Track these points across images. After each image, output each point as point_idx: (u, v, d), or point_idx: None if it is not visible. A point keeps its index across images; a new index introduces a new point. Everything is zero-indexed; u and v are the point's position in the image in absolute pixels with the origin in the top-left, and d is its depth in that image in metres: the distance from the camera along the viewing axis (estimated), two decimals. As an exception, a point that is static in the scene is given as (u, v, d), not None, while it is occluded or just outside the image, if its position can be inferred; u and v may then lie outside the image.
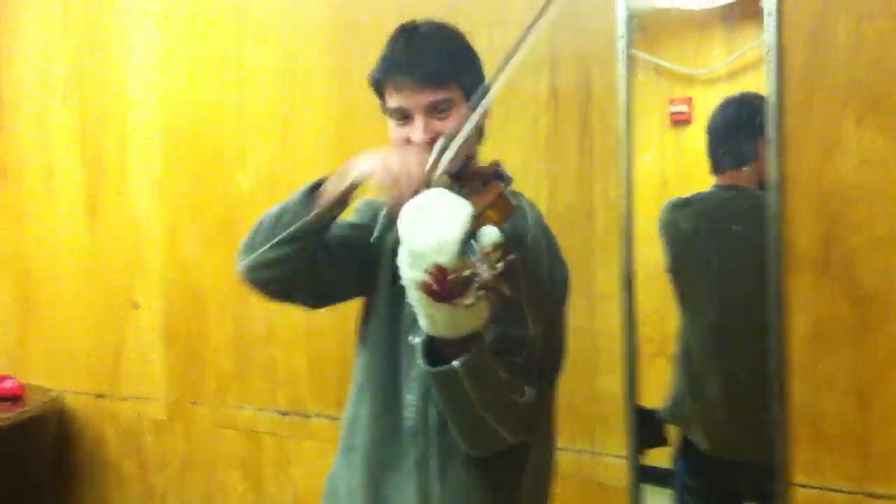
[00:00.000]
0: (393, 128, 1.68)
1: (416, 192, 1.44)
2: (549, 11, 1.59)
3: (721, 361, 2.38)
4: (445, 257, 1.29)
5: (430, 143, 1.60)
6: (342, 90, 2.95)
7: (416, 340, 1.54)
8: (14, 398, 3.50)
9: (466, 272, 1.26)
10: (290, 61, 3.07)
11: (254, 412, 3.15)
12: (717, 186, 2.36)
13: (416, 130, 1.62)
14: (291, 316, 2.99)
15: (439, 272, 1.27)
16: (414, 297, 1.35)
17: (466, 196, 1.48)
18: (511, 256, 1.25)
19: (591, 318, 2.44)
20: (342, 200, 1.63)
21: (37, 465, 3.51)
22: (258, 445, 3.17)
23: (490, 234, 1.33)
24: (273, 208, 1.71)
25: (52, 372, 3.68)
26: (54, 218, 3.66)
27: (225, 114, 3.22)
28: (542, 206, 2.38)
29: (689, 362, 2.42)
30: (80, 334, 3.60)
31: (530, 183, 2.51)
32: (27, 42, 3.71)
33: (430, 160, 1.52)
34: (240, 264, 1.74)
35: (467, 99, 1.63)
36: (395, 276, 1.57)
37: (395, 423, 1.70)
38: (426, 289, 1.29)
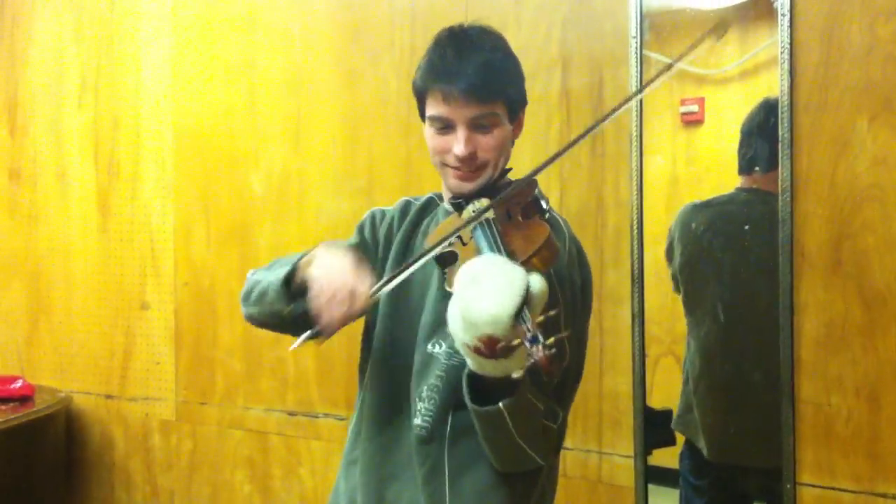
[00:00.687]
0: (431, 135, 1.64)
1: (346, 320, 1.47)
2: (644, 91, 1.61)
3: (732, 362, 2.36)
4: (499, 331, 1.27)
5: (469, 158, 1.59)
6: (352, 93, 2.95)
7: (438, 350, 1.57)
8: (23, 399, 3.50)
9: (516, 342, 1.25)
10: (300, 65, 3.08)
11: (262, 412, 3.14)
12: (739, 189, 2.34)
13: (459, 143, 1.59)
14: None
15: (491, 342, 1.28)
16: (462, 351, 1.35)
17: (507, 231, 1.48)
18: (563, 335, 1.24)
19: (600, 318, 2.43)
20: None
21: (46, 465, 3.51)
22: (266, 446, 3.16)
23: (537, 290, 1.31)
24: (262, 280, 1.70)
25: (62, 372, 3.69)
26: (67, 220, 3.68)
27: (236, 117, 3.23)
28: (554, 206, 2.40)
29: (700, 365, 2.40)
30: (89, 335, 3.61)
31: (542, 183, 2.47)
32: (41, 47, 3.73)
33: (376, 287, 1.52)
34: (241, 308, 1.80)
35: (510, 114, 1.63)
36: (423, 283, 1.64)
37: (399, 432, 1.68)
38: (475, 352, 1.30)
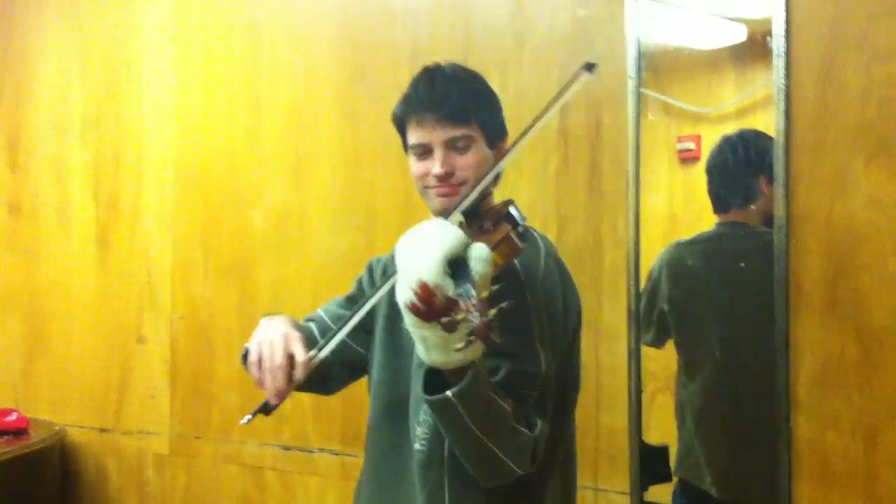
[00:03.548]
0: (414, 163, 1.72)
1: (287, 387, 1.55)
2: (564, 95, 1.67)
3: (733, 400, 2.36)
4: (428, 275, 1.33)
5: (448, 176, 1.66)
6: (354, 131, 2.98)
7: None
8: (18, 432, 3.49)
9: (459, 315, 1.26)
10: (302, 102, 3.11)
11: (257, 447, 3.13)
12: (722, 224, 2.37)
13: (436, 163, 1.66)
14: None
15: (424, 290, 1.30)
16: (407, 322, 1.38)
17: (475, 234, 1.52)
18: (504, 304, 1.26)
19: (596, 355, 2.44)
20: None
21: (40, 499, 3.48)
22: (261, 481, 3.14)
23: (477, 254, 1.37)
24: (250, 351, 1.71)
25: (57, 406, 3.68)
26: (66, 254, 3.68)
27: (238, 153, 3.25)
28: (551, 243, 2.42)
29: (702, 403, 2.40)
30: (85, 369, 3.60)
31: (539, 220, 2.52)
32: (46, 84, 3.76)
33: (315, 350, 1.59)
34: None
35: (486, 138, 1.70)
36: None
37: (403, 459, 1.70)
38: (413, 308, 1.31)
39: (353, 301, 1.87)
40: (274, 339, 1.60)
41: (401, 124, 1.75)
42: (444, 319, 1.27)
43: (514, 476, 1.53)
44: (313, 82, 3.08)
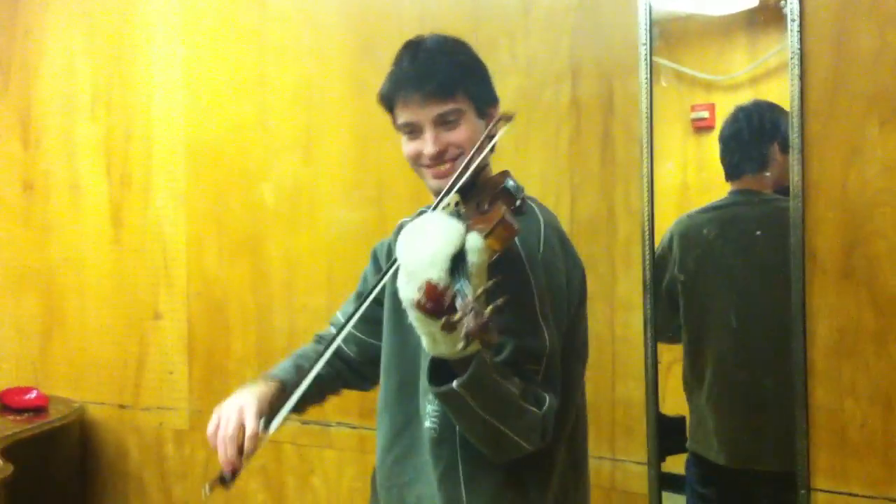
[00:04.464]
0: (405, 143, 1.71)
1: (240, 457, 1.62)
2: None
3: (747, 368, 2.36)
4: (435, 273, 1.31)
5: (439, 156, 1.65)
6: (362, 105, 2.95)
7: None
8: (37, 409, 3.52)
9: (457, 317, 1.26)
10: (310, 77, 3.09)
11: (275, 422, 3.15)
12: (736, 192, 2.35)
13: (427, 143, 1.66)
14: (313, 325, 2.99)
15: (431, 289, 1.30)
16: (413, 318, 1.37)
17: (472, 215, 1.52)
18: (499, 301, 1.26)
19: (611, 326, 2.43)
20: None
21: (60, 476, 3.53)
22: (279, 455, 3.17)
23: (472, 246, 1.36)
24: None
25: (75, 383, 3.70)
26: (79, 231, 3.69)
27: (247, 129, 3.24)
28: (565, 215, 2.42)
29: (714, 371, 2.40)
30: (103, 346, 3.62)
31: (552, 191, 2.51)
32: (54, 60, 3.75)
33: (253, 431, 1.65)
34: None
35: (476, 108, 1.68)
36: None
37: (415, 437, 1.71)
38: (420, 307, 1.31)
39: (361, 296, 1.85)
40: (231, 410, 1.68)
41: (388, 104, 1.72)
42: (443, 320, 1.26)
43: (525, 452, 1.54)
44: (321, 56, 3.06)
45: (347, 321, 1.73)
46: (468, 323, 1.24)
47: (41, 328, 3.81)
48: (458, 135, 1.65)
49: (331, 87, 3.04)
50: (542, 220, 1.66)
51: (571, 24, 2.53)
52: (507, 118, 1.67)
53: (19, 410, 3.51)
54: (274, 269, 3.17)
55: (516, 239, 1.53)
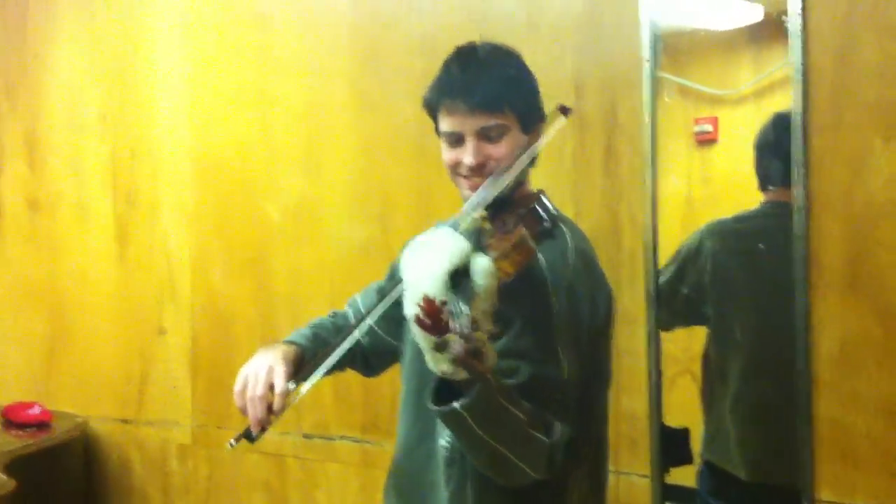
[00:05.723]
0: (445, 150, 1.70)
1: (268, 415, 1.61)
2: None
3: (749, 381, 2.36)
4: (433, 289, 1.30)
5: (478, 168, 1.63)
6: (367, 119, 2.97)
7: None
8: (41, 424, 3.52)
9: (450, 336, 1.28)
10: (314, 93, 3.10)
11: (278, 436, 3.13)
12: (765, 203, 2.33)
13: (467, 154, 1.64)
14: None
15: (428, 304, 1.30)
16: (413, 332, 1.36)
17: (494, 233, 1.52)
18: (491, 329, 1.29)
19: (616, 338, 2.43)
20: None
21: (64, 490, 3.52)
22: (283, 469, 3.16)
23: (479, 267, 1.35)
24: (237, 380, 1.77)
25: (79, 398, 3.70)
26: (86, 249, 3.70)
27: (252, 145, 3.25)
28: (568, 227, 2.41)
29: (740, 384, 2.39)
30: (107, 361, 3.62)
31: (556, 204, 2.50)
32: (61, 81, 3.77)
33: (283, 390, 1.63)
34: None
35: (521, 125, 1.66)
36: None
37: (429, 453, 1.69)
38: (419, 322, 1.31)
39: (382, 292, 1.82)
40: (259, 370, 1.67)
41: (432, 110, 1.72)
42: (437, 338, 1.27)
43: (531, 480, 1.52)
44: (325, 72, 3.07)
45: (362, 318, 1.73)
46: (455, 347, 1.25)
47: (46, 344, 3.81)
48: (500, 149, 1.63)
49: (335, 102, 3.05)
50: (570, 244, 1.64)
51: (575, 40, 2.55)
52: (565, 111, 1.65)
53: (23, 426, 3.50)
54: (278, 285, 3.18)
55: (543, 265, 1.54)
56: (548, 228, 1.59)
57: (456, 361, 1.26)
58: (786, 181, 2.21)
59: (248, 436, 1.66)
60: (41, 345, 3.82)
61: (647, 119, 2.37)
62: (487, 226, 1.56)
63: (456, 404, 1.38)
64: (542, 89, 2.53)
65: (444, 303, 1.29)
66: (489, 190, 1.61)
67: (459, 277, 1.34)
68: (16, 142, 3.91)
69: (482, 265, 1.35)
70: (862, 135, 2.13)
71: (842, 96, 2.15)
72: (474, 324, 1.28)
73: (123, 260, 3.59)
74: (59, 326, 3.78)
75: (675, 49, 2.40)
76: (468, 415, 1.39)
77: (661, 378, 2.37)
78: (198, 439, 3.37)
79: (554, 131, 1.67)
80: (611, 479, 2.42)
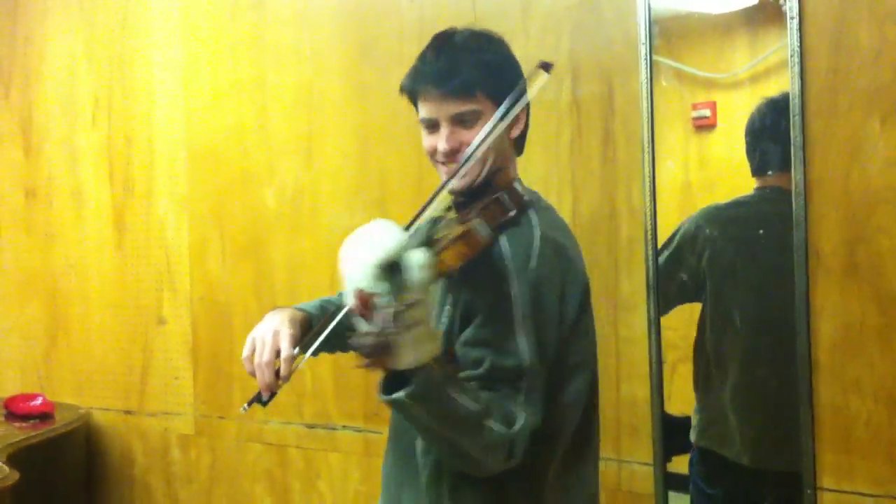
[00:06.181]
0: (424, 136, 1.72)
1: (267, 386, 1.62)
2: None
3: (748, 366, 2.35)
4: (363, 282, 1.34)
5: (453, 153, 1.64)
6: (363, 107, 2.96)
7: None
8: (43, 416, 3.52)
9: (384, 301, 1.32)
10: (310, 80, 3.08)
11: (280, 426, 3.14)
12: (758, 189, 2.33)
13: (441, 139, 1.65)
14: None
15: (361, 297, 1.33)
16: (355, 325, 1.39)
17: (452, 223, 1.54)
18: (391, 330, 1.30)
19: (615, 326, 2.43)
20: None
21: (67, 481, 3.53)
22: (285, 459, 3.16)
23: (414, 264, 1.35)
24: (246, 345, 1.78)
25: (81, 389, 3.71)
26: (82, 237, 3.70)
27: (248, 133, 3.24)
28: (566, 215, 2.41)
29: (739, 370, 2.39)
30: (107, 351, 3.63)
31: (553, 191, 2.51)
32: (54, 66, 3.76)
33: (288, 355, 1.65)
34: None
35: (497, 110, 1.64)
36: None
37: (410, 442, 1.70)
38: (358, 314, 1.34)
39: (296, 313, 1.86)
40: (266, 335, 1.68)
41: (410, 97, 1.73)
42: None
43: (492, 470, 1.53)
44: (321, 58, 3.06)
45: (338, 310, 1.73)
46: (365, 342, 1.29)
47: (45, 334, 3.82)
48: (473, 135, 1.63)
49: (331, 89, 3.04)
50: (538, 232, 1.62)
51: (571, 24, 2.53)
52: (546, 66, 1.63)
53: (25, 417, 3.51)
54: (277, 273, 3.17)
55: (506, 251, 1.54)
56: (512, 217, 1.59)
57: (364, 360, 1.30)
58: (780, 166, 2.21)
59: (259, 400, 1.68)
60: (41, 335, 3.83)
61: (644, 104, 2.36)
62: (452, 214, 1.59)
63: (399, 393, 1.40)
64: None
65: (372, 295, 1.32)
66: (453, 176, 1.61)
67: (392, 271, 1.35)
68: (10, 129, 3.90)
69: (412, 259, 1.36)
70: (859, 119, 2.12)
71: (839, 80, 2.14)
72: (396, 318, 1.30)
73: (121, 248, 3.59)
74: (58, 316, 3.78)
75: (671, 33, 2.39)
76: (412, 403, 1.41)
77: (662, 366, 2.36)
78: (200, 429, 3.38)
79: (536, 90, 1.65)
80: (613, 467, 2.45)
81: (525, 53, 2.54)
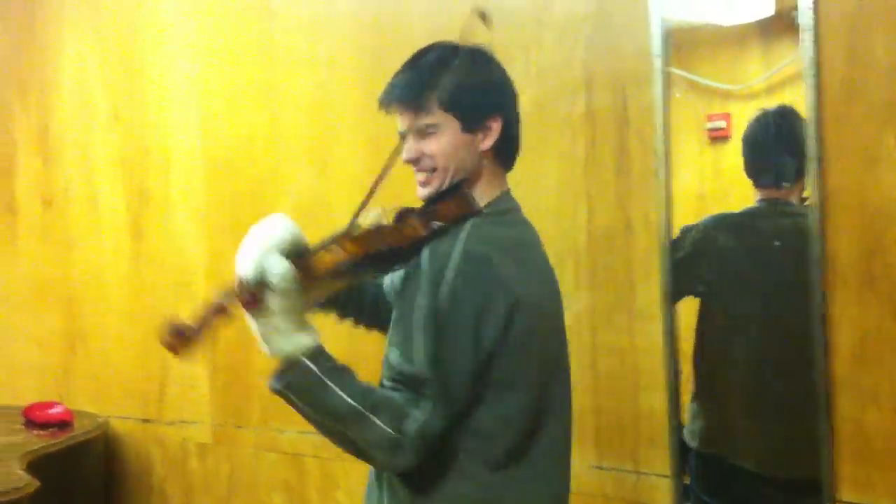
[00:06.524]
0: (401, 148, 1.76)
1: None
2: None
3: (763, 378, 2.35)
4: (240, 270, 1.57)
5: (415, 162, 1.72)
6: (376, 117, 2.94)
7: (387, 353, 1.68)
8: (62, 424, 3.54)
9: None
10: (324, 89, 3.09)
11: (297, 435, 3.15)
12: (763, 201, 2.34)
13: (405, 150, 1.72)
14: (332, 339, 3.00)
15: (239, 286, 1.55)
16: None
17: (373, 228, 1.69)
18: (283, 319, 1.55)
19: (631, 337, 2.43)
20: None
21: (85, 490, 3.55)
22: (302, 468, 3.18)
23: (270, 270, 1.56)
24: None
25: (99, 397, 3.73)
26: (99, 245, 3.72)
27: (262, 141, 3.25)
28: (582, 226, 2.42)
29: (747, 378, 2.39)
30: (125, 360, 3.64)
31: (569, 203, 2.51)
32: (69, 77, 3.78)
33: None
34: None
35: (463, 122, 1.68)
36: None
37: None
38: (236, 298, 1.55)
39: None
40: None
41: (385, 110, 1.78)
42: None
43: (387, 466, 1.64)
44: (334, 67, 3.07)
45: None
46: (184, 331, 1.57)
47: (63, 343, 3.84)
48: (430, 145, 1.68)
49: (345, 98, 3.05)
50: (461, 246, 1.61)
51: (585, 36, 2.52)
52: (483, 16, 1.70)
53: (44, 425, 3.52)
54: (292, 282, 3.17)
55: (426, 258, 1.61)
56: (437, 231, 1.64)
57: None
58: (783, 179, 2.23)
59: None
60: (59, 343, 3.85)
61: (658, 115, 2.36)
62: (385, 221, 1.69)
63: (278, 384, 1.57)
64: (551, 86, 2.53)
65: (249, 284, 1.53)
66: (381, 178, 1.72)
67: (259, 266, 1.57)
68: (28, 138, 3.92)
69: (270, 261, 1.57)
70: (875, 130, 2.11)
71: (854, 91, 2.13)
72: (259, 307, 1.53)
73: (138, 257, 3.61)
74: (75, 325, 3.80)
75: (684, 45, 2.39)
76: (290, 393, 1.57)
77: (679, 376, 2.36)
78: (218, 438, 3.39)
79: (466, 33, 1.71)
80: (631, 479, 2.45)
81: (540, 64, 2.58)
